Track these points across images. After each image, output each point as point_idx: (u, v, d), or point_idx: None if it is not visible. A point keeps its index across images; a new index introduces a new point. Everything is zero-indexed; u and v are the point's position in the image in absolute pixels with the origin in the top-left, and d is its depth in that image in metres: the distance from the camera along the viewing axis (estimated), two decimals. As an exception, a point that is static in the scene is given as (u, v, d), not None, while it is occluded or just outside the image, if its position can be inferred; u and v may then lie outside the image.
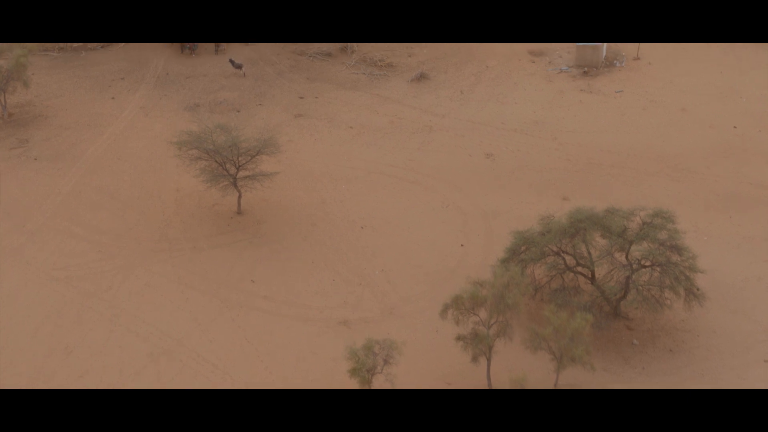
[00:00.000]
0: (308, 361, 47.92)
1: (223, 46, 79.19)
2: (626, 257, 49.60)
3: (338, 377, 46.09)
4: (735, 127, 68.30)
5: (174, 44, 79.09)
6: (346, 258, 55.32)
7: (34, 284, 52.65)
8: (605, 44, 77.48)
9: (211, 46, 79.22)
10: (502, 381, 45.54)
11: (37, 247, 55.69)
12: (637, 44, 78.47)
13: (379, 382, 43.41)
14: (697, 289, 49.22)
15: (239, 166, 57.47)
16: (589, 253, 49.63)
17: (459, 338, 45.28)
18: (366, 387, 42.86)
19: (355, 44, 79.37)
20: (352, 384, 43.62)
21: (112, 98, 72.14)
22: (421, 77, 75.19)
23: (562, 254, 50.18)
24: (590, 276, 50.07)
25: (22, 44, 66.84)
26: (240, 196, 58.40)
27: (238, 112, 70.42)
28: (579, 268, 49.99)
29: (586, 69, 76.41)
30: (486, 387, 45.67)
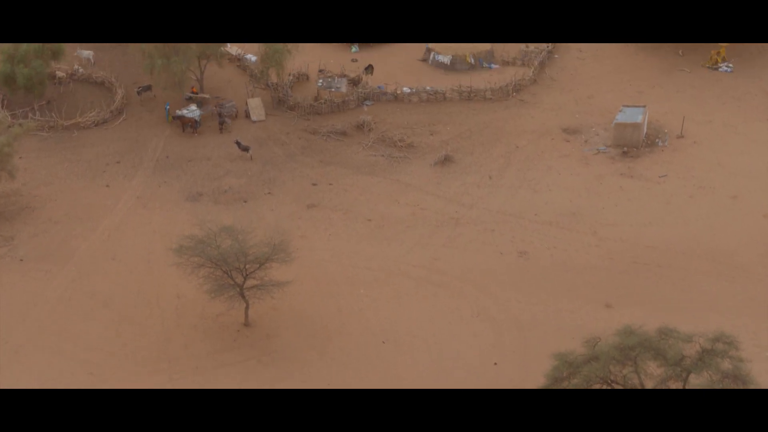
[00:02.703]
0: None
1: (229, 122, 76.51)
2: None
3: None
4: (794, 218, 65.31)
5: (174, 122, 76.43)
6: (366, 380, 52.11)
7: (17, 414, 49.41)
8: (645, 121, 74.56)
9: (214, 123, 76.54)
10: None
11: (21, 368, 52.60)
12: (681, 121, 75.55)
13: None
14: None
15: (247, 274, 54.50)
16: (642, 385, 46.34)
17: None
18: None
19: (372, 122, 76.60)
20: None
21: (107, 186, 69.48)
22: (446, 160, 72.38)
23: (611, 384, 46.89)
24: (644, 410, 46.70)
25: (8, 129, 64.58)
26: (247, 307, 55.45)
27: (245, 202, 67.65)
28: (631, 401, 46.64)
29: (625, 149, 73.49)
30: None
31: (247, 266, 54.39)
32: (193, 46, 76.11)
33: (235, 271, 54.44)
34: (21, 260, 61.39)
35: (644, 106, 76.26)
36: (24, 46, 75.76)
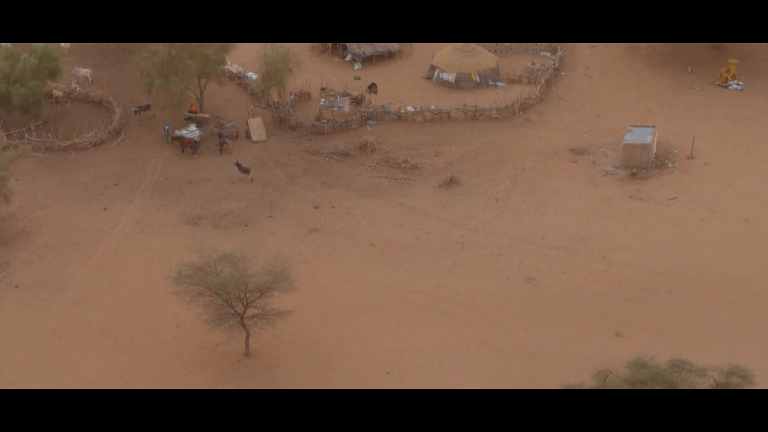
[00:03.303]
0: None
1: (229, 142, 75.85)
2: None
3: None
4: (808, 243, 64.54)
5: (174, 143, 75.78)
6: (370, 413, 51.29)
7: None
8: (654, 141, 73.86)
9: (214, 144, 75.90)
10: None
11: (16, 400, 51.80)
12: (691, 141, 74.87)
13: None
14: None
15: (247, 303, 53.82)
16: (655, 421, 45.55)
17: None
18: None
19: (375, 142, 75.96)
20: None
21: (104, 209, 68.82)
22: (451, 182, 71.64)
23: (623, 419, 46.12)
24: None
25: (3, 151, 63.98)
26: (248, 336, 54.79)
27: (246, 226, 66.98)
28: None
29: (634, 170, 72.75)
30: None
31: (247, 295, 53.75)
32: (192, 65, 75.55)
33: (235, 300, 53.81)
34: (16, 287, 60.73)
35: (653, 126, 75.52)
36: (20, 65, 75.23)
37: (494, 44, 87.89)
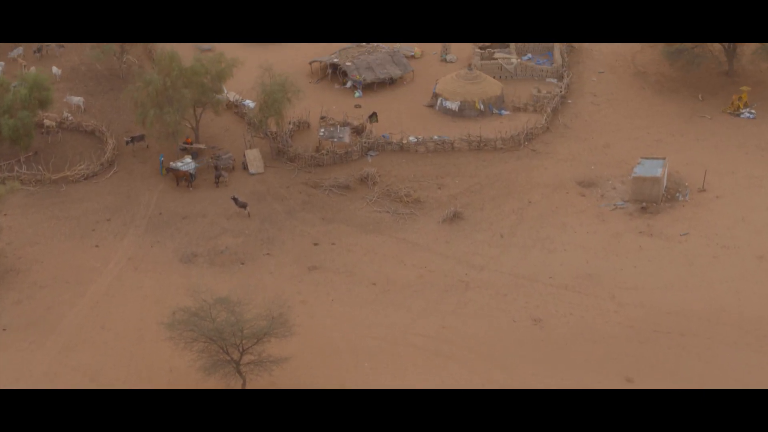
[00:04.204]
0: None
1: (225, 175, 74.93)
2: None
3: None
4: (825, 281, 63.49)
5: (168, 175, 74.84)
6: (371, 465, 50.18)
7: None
8: (665, 174, 72.88)
9: (210, 176, 74.97)
10: None
11: (3, 452, 50.76)
12: (703, 173, 73.88)
13: None
14: None
15: (243, 350, 52.80)
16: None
17: None
18: None
19: (376, 174, 75.02)
20: None
21: (96, 246, 67.84)
22: (454, 217, 70.65)
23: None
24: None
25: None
26: (244, 384, 53.63)
27: (242, 264, 65.98)
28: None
29: (644, 204, 71.78)
30: None
31: (243, 341, 52.73)
32: (188, 95, 74.72)
33: (231, 347, 52.76)
34: (4, 329, 59.71)
35: (664, 159, 74.55)
36: (10, 95, 74.42)
37: (493, 49, 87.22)
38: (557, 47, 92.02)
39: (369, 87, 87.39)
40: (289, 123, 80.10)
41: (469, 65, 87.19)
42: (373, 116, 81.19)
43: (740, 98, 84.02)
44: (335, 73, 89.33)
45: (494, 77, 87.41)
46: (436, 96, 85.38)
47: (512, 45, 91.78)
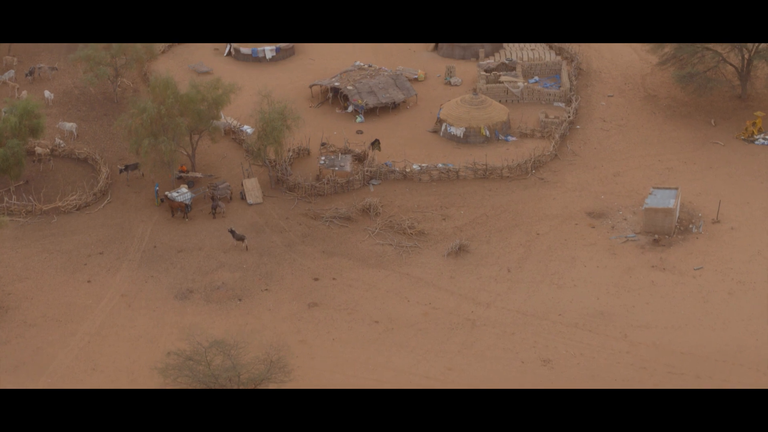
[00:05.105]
0: None
1: (223, 206, 73.59)
2: None
3: None
4: None
5: (163, 206, 73.55)
6: None
7: None
8: (678, 205, 71.53)
9: (207, 206, 73.65)
10: None
11: (-12, 505, 49.37)
12: (717, 204, 72.55)
13: None
14: None
15: (240, 396, 51.37)
16: None
17: None
18: None
19: (379, 205, 73.68)
20: None
21: (88, 281, 66.58)
22: (460, 250, 69.29)
23: None
24: None
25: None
26: (241, 431, 52.19)
27: (240, 300, 64.70)
28: None
29: (656, 237, 70.44)
30: None
31: (240, 387, 51.32)
32: (183, 123, 73.53)
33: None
34: (-9, 371, 58.44)
35: (676, 188, 73.10)
36: (-1, 123, 73.32)
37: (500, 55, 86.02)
38: (565, 69, 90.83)
39: (371, 111, 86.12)
40: (289, 150, 78.79)
41: (474, 89, 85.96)
42: (375, 143, 79.86)
43: (754, 124, 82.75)
44: (336, 96, 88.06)
45: (500, 101, 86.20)
46: (440, 122, 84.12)
47: (518, 67, 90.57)
